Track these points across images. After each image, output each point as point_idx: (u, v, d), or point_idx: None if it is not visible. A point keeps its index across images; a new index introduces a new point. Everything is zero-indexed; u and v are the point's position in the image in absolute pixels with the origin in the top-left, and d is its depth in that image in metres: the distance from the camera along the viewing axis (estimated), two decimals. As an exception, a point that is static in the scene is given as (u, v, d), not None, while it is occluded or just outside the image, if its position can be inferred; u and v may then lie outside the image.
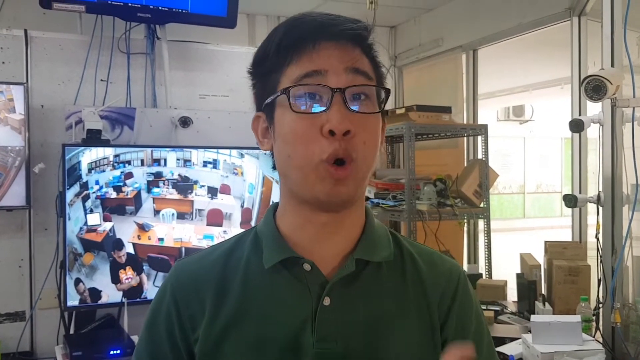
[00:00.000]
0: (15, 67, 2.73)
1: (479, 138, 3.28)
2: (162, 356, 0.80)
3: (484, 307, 2.49)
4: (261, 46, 0.79)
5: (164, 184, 2.69)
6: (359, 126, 0.73)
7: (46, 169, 2.71)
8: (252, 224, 2.85)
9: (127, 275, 2.64)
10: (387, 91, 0.78)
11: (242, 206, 2.84)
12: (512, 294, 2.85)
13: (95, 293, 2.57)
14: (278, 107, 0.76)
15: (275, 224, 0.82)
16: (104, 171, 2.59)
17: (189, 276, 0.82)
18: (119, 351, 2.33)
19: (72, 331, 2.61)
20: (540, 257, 2.82)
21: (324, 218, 0.77)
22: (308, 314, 0.76)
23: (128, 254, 2.63)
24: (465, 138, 3.65)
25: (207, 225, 2.77)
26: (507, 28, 3.28)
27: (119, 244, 2.61)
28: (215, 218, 2.79)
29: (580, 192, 2.91)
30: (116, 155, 2.60)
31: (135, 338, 2.47)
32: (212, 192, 2.78)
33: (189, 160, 2.73)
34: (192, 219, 2.74)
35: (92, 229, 2.56)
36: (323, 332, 0.75)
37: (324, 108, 0.72)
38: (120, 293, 2.60)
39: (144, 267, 2.65)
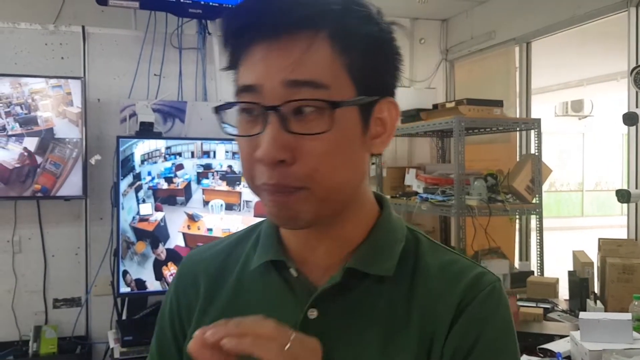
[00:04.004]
0: (73, 62, 2.84)
1: (532, 132, 3.19)
2: (167, 346, 0.76)
3: (533, 304, 2.43)
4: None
5: (213, 175, 2.74)
6: (305, 150, 0.59)
7: (101, 160, 2.81)
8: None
9: (171, 272, 2.69)
10: (341, 103, 0.60)
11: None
12: (564, 293, 2.78)
13: (141, 284, 2.64)
14: None
15: None
16: (156, 162, 2.66)
17: (192, 265, 0.77)
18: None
19: (124, 317, 2.70)
20: (594, 255, 2.73)
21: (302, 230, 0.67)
22: (293, 324, 0.65)
23: (167, 249, 2.68)
24: (517, 133, 3.56)
25: (254, 216, 2.81)
26: (561, 20, 3.18)
27: (155, 242, 2.67)
28: (263, 210, 2.82)
29: (636, 188, 2.80)
30: (168, 147, 2.67)
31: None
32: (259, 184, 2.81)
33: (237, 153, 2.77)
34: (239, 210, 2.79)
35: (144, 219, 2.64)
36: None
37: (259, 130, 0.60)
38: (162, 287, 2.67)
39: (193, 257, 2.71)
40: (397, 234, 0.70)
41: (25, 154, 2.65)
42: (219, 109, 0.64)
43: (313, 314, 0.66)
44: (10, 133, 2.62)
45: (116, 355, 2.34)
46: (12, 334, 2.77)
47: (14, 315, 2.79)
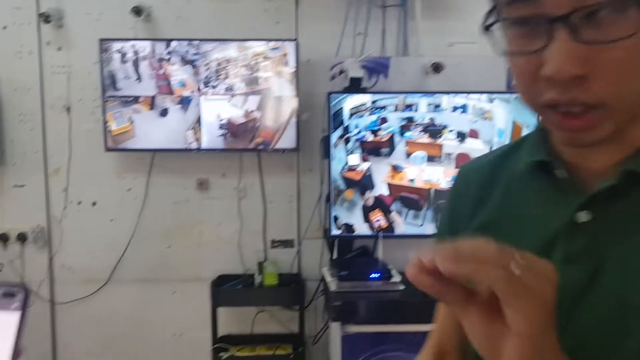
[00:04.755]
0: (287, 26, 3.11)
1: None
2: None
3: None
4: None
5: (415, 128, 2.86)
6: (603, 61, 0.52)
7: (311, 116, 3.07)
8: (500, 168, 2.89)
9: (377, 217, 2.88)
10: None
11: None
12: None
13: (349, 227, 2.87)
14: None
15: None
16: (362, 116, 2.85)
17: (464, 175, 0.81)
18: (378, 275, 2.60)
19: (334, 257, 2.96)
20: None
21: None
22: (558, 228, 0.63)
23: (374, 197, 2.87)
24: None
25: (456, 168, 2.89)
26: None
27: (362, 190, 2.86)
28: (464, 161, 2.89)
29: None
30: (373, 102, 2.84)
31: (389, 267, 2.72)
32: (461, 136, 2.88)
33: (439, 106, 2.85)
34: (441, 162, 2.88)
35: (352, 169, 2.86)
36: (569, 253, 0.62)
37: (541, 44, 0.53)
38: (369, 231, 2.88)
39: (396, 205, 2.88)
40: None
41: (249, 111, 2.98)
42: (487, 27, 0.58)
43: (583, 217, 0.62)
44: (236, 92, 2.97)
45: (332, 288, 2.59)
46: (238, 268, 3.18)
47: (239, 253, 3.20)
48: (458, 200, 0.79)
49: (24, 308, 0.42)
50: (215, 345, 2.98)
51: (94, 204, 3.13)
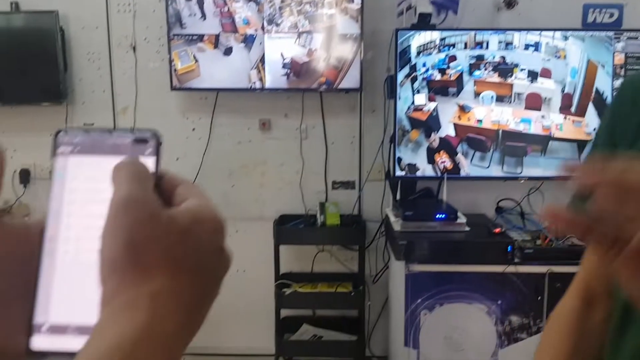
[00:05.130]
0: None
1: None
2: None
3: None
4: None
5: (485, 67, 2.77)
6: None
7: (375, 55, 3.00)
8: (573, 110, 2.79)
9: (442, 159, 2.84)
10: None
11: (562, 91, 2.78)
12: None
13: (413, 168, 2.84)
14: None
15: None
16: (430, 54, 2.77)
17: (629, 83, 0.78)
18: (443, 216, 2.58)
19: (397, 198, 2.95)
20: None
21: None
22: None
23: (440, 138, 2.82)
24: None
25: (525, 109, 2.80)
26: None
27: (428, 131, 2.81)
28: (534, 102, 2.80)
29: None
30: (442, 39, 2.76)
31: (455, 209, 2.69)
32: (532, 75, 2.77)
33: (511, 43, 2.75)
34: (510, 102, 2.79)
35: (418, 109, 2.80)
36: None
37: None
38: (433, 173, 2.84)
39: (463, 147, 2.82)
40: None
41: (313, 49, 2.94)
42: None
43: None
44: (301, 30, 2.92)
45: (397, 228, 2.59)
46: (299, 209, 3.22)
47: (301, 193, 3.22)
48: (621, 111, 0.75)
49: (157, 153, 0.41)
50: (278, 282, 3.05)
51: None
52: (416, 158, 2.83)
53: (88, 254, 0.40)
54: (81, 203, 0.42)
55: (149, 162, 0.42)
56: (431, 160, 2.82)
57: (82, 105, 3.19)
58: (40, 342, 0.40)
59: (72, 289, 0.41)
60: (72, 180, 0.42)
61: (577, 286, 0.82)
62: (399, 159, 2.83)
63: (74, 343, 0.39)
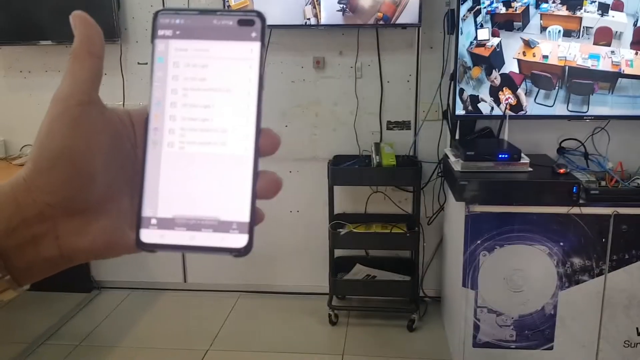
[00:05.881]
0: None
1: None
2: None
3: None
4: None
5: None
6: None
7: (434, -11, 2.88)
8: (645, 44, 2.64)
9: (506, 96, 2.74)
10: None
11: (635, 25, 2.62)
12: None
13: (475, 99, 2.74)
14: None
15: None
16: (495, -14, 2.64)
17: None
18: (506, 155, 2.51)
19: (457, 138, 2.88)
20: None
21: None
22: None
23: (501, 74, 2.71)
24: None
25: (594, 44, 2.66)
26: None
27: (489, 69, 2.70)
28: (604, 37, 2.65)
29: None
30: (508, -30, 2.61)
31: (518, 148, 2.61)
32: (603, 8, 2.62)
33: (583, -27, 2.59)
34: (578, 37, 2.66)
35: (481, 44, 2.69)
36: None
37: None
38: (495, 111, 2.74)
39: (527, 85, 2.72)
40: None
41: (370, -17, 2.83)
42: None
43: None
44: (357, -37, 2.81)
45: (457, 168, 2.54)
46: (353, 149, 3.18)
47: (355, 133, 3.17)
48: None
49: (262, 38, 0.38)
50: (332, 222, 3.05)
51: (213, 81, 3.15)
52: (475, 93, 2.74)
53: (193, 147, 0.39)
54: (184, 92, 0.40)
55: (254, 47, 0.39)
56: (494, 98, 2.72)
57: (135, 43, 3.18)
58: (149, 235, 0.39)
59: (178, 182, 0.39)
60: (174, 67, 0.40)
61: None
62: (462, 91, 2.74)
63: (182, 237, 0.38)
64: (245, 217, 0.39)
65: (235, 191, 0.39)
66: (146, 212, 0.39)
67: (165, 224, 0.39)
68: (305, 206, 3.29)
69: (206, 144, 0.39)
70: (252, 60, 0.39)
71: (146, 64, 3.18)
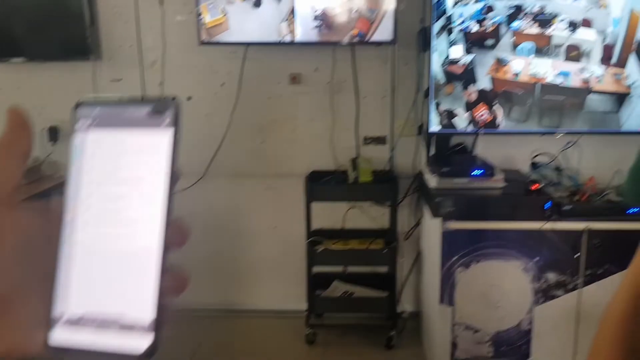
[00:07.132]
0: None
1: None
2: None
3: None
4: None
5: (523, 17, 2.67)
6: None
7: (408, 6, 2.90)
8: (613, 61, 2.69)
9: (481, 112, 2.77)
10: None
11: (603, 42, 2.68)
12: None
13: (450, 114, 2.76)
14: None
15: None
16: (466, 5, 2.67)
17: None
18: (481, 172, 2.53)
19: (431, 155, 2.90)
20: None
21: None
22: None
23: (478, 91, 2.74)
24: None
25: (565, 61, 2.70)
26: None
27: (465, 84, 2.73)
28: (574, 53, 2.70)
29: None
30: (480, -12, 2.65)
31: (492, 165, 2.64)
32: (573, 26, 2.67)
33: (552, -8, 2.63)
34: (549, 54, 2.70)
35: (454, 62, 2.72)
36: None
37: None
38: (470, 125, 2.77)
39: (499, 101, 2.75)
40: None
41: (345, 0, 2.85)
42: None
43: None
44: (332, -19, 2.82)
45: (432, 184, 2.55)
46: (330, 164, 3.18)
47: (331, 149, 3.18)
48: None
49: (176, 124, 0.37)
50: (309, 239, 3.04)
51: (189, 98, 3.13)
52: (452, 111, 2.77)
53: (104, 240, 0.38)
54: (99, 183, 0.39)
55: (167, 135, 0.38)
56: (469, 113, 2.75)
57: (109, 60, 3.15)
58: (59, 336, 0.37)
59: (88, 279, 0.38)
60: (90, 158, 0.39)
61: (626, 289, 0.77)
62: (437, 105, 2.75)
63: (94, 338, 0.37)
64: (150, 315, 0.37)
65: (142, 287, 0.37)
66: (57, 310, 0.38)
67: (76, 322, 0.37)
68: (282, 222, 3.28)
69: (117, 238, 0.38)
70: (163, 149, 0.38)
71: (121, 79, 3.15)
